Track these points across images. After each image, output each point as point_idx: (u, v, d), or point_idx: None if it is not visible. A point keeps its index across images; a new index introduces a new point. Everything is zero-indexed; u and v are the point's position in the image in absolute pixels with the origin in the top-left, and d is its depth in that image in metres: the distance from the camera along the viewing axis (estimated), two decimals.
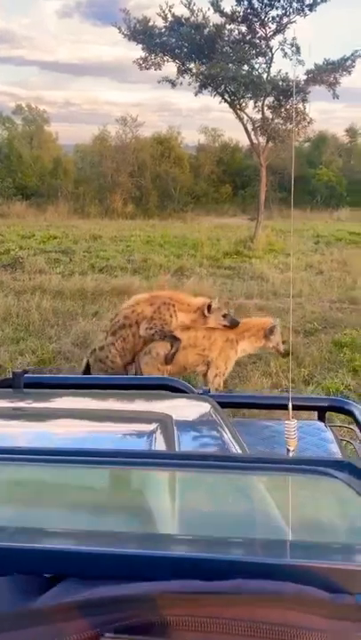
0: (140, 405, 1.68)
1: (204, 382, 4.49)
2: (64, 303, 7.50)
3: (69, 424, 1.54)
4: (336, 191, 22.69)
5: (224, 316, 4.30)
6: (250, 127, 12.69)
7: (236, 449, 1.35)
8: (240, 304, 7.68)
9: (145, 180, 22.95)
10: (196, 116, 50.45)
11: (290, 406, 1.51)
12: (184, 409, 1.65)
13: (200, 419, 1.60)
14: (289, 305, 7.47)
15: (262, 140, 12.88)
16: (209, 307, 4.24)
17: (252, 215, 19.09)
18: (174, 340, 4.21)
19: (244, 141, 22.70)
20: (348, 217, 19.78)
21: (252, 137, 12.91)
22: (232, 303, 7.74)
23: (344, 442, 2.04)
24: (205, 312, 4.23)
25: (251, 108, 12.63)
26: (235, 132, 30.34)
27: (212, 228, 15.87)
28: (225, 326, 4.32)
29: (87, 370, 4.27)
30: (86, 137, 28.31)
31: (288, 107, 12.48)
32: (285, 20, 11.76)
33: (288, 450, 1.52)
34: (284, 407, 2.23)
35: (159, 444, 1.36)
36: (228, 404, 2.09)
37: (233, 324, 4.33)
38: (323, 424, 1.81)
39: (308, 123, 12.87)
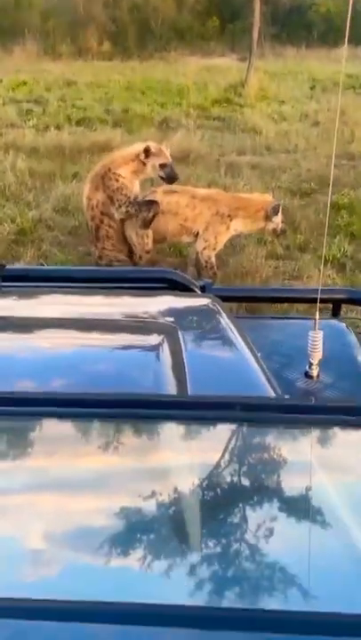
0: (139, 309, 1.45)
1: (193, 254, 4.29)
2: (40, 163, 6.90)
3: (56, 337, 1.32)
4: (335, 25, 20.37)
5: (162, 165, 3.92)
6: None
7: (254, 371, 1.18)
8: (232, 161, 7.13)
9: (121, 11, 20.32)
10: None
11: (317, 315, 1.29)
12: (190, 315, 1.44)
13: (208, 328, 1.40)
14: (284, 163, 6.97)
15: None
16: (146, 151, 3.87)
17: (242, 55, 17.24)
18: (150, 204, 3.92)
19: None
20: (347, 56, 17.99)
21: None
22: (223, 160, 7.19)
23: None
24: (142, 157, 3.88)
25: None
26: None
27: (199, 71, 14.37)
28: (162, 179, 4.01)
29: None
30: None
31: None
32: None
33: (311, 364, 1.34)
34: (301, 301, 2.03)
35: (165, 367, 1.18)
36: (235, 298, 1.88)
37: (170, 179, 4.00)
38: (344, 325, 1.62)
39: None
